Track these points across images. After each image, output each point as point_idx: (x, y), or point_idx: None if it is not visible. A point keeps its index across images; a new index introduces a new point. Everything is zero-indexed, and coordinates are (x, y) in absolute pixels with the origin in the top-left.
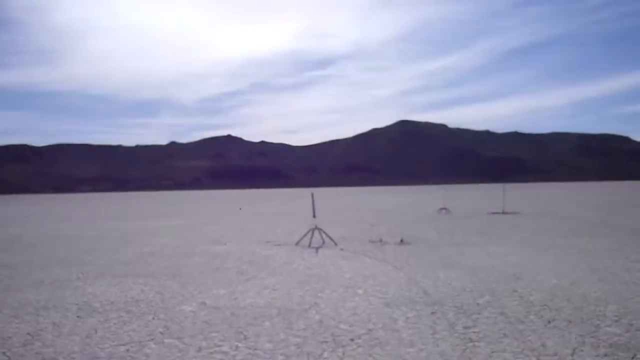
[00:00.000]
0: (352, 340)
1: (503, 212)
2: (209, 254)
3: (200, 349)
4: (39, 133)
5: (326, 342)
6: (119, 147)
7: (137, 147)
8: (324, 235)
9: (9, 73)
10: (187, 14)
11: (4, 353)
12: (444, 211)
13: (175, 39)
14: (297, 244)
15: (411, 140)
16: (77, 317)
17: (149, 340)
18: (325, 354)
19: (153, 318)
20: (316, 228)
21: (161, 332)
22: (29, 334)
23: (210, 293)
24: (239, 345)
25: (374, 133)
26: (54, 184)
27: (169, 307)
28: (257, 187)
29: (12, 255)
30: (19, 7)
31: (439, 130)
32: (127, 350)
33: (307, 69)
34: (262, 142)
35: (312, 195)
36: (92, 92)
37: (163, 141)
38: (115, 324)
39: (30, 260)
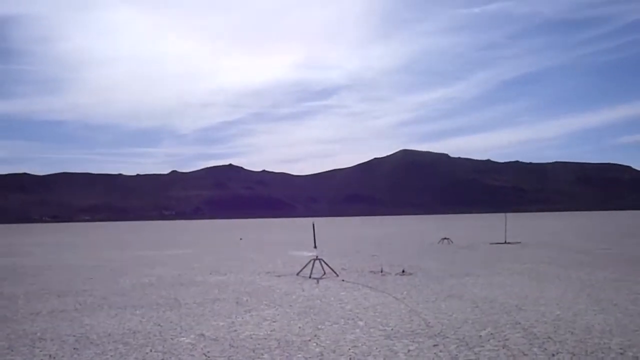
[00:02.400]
0: None
1: (505, 242)
2: (208, 284)
3: None
4: (40, 162)
5: None
6: (119, 175)
7: (138, 176)
8: (324, 266)
9: (12, 102)
10: (189, 44)
11: None
12: (445, 241)
13: (177, 68)
14: (297, 274)
15: (412, 169)
16: (74, 349)
17: None
18: None
19: (151, 350)
20: (317, 258)
21: None
22: None
23: (209, 324)
24: None
25: (375, 162)
26: (53, 212)
27: (167, 338)
28: (258, 216)
29: (10, 286)
30: (25, 39)
31: (440, 160)
32: None
33: (307, 99)
34: (263, 171)
35: (313, 225)
36: (94, 121)
37: (164, 170)
38: (112, 356)
39: (28, 291)
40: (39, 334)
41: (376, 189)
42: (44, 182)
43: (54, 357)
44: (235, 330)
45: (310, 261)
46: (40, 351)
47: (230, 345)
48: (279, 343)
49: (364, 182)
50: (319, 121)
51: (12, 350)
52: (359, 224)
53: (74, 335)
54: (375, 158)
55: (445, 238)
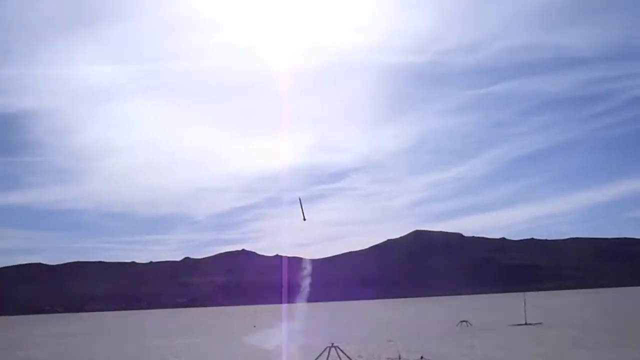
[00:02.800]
0: None
1: (525, 324)
2: None
3: None
4: (54, 251)
5: None
6: (132, 263)
7: (151, 263)
8: (340, 353)
9: (29, 192)
10: (203, 131)
11: None
12: (463, 324)
13: (191, 155)
14: None
15: (426, 250)
16: None
17: None
18: None
19: None
20: (333, 346)
21: None
22: None
23: None
24: None
25: (388, 244)
26: (65, 302)
27: None
28: (272, 302)
29: None
30: (42, 131)
31: (454, 240)
32: None
33: (320, 182)
34: (277, 255)
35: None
36: (108, 209)
37: (177, 257)
38: None
39: None
40: None
41: (390, 271)
42: (58, 272)
43: None
44: None
45: (325, 349)
46: None
47: None
48: None
49: (378, 265)
50: (332, 204)
51: None
52: (374, 307)
53: None
54: (388, 239)
55: (463, 321)
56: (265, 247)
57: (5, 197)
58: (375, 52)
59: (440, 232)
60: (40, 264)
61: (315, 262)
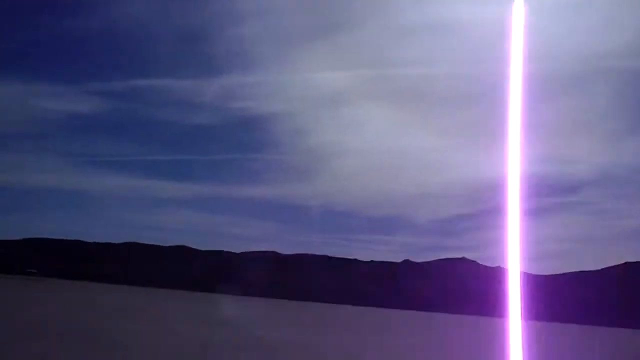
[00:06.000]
0: None
1: None
2: None
3: None
4: (285, 242)
5: None
6: (354, 260)
7: (372, 262)
8: None
9: (267, 187)
10: (429, 136)
11: None
12: None
13: (415, 160)
14: None
15: None
16: None
17: None
18: None
19: None
20: None
21: None
22: None
23: None
24: None
25: (627, 267)
26: (292, 291)
27: None
28: (491, 315)
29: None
30: (282, 132)
31: None
32: None
33: (550, 194)
34: (499, 267)
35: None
36: (335, 207)
37: (397, 258)
38: None
39: None
40: None
41: (632, 297)
42: (288, 262)
43: None
44: None
45: None
46: None
47: None
48: None
49: (615, 289)
50: (562, 218)
51: None
52: (618, 335)
53: None
54: (627, 262)
55: None
56: (486, 258)
57: (247, 189)
58: (618, 57)
59: None
60: (274, 251)
61: (542, 278)
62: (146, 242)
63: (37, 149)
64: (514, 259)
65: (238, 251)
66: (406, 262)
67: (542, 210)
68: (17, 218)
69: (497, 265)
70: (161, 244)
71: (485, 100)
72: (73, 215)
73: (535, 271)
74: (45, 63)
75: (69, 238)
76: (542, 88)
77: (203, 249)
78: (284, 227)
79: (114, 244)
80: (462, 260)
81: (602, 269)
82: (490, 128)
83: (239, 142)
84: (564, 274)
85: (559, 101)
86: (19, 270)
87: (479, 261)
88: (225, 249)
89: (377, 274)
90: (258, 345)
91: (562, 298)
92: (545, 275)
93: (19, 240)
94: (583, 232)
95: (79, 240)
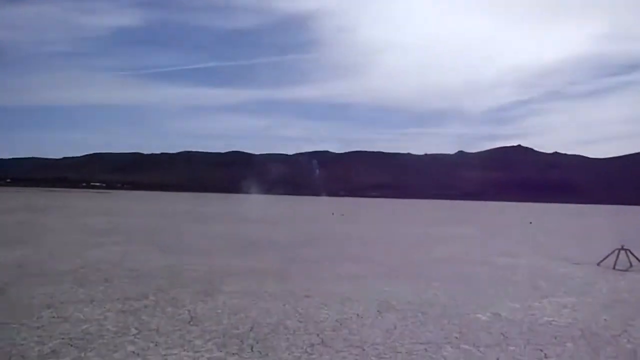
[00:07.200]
0: None
1: None
2: (497, 266)
3: None
4: (338, 141)
5: None
6: (407, 155)
7: (425, 155)
8: (632, 258)
9: (315, 87)
10: (476, 24)
11: (317, 335)
12: None
13: (467, 50)
14: (598, 264)
15: None
16: (377, 311)
17: (445, 343)
18: None
19: (448, 322)
20: (623, 248)
21: (456, 337)
22: (337, 321)
23: (504, 305)
24: None
25: None
26: (347, 188)
27: (462, 313)
28: (548, 201)
29: (313, 250)
30: (324, 30)
31: None
32: (425, 349)
33: (608, 74)
34: (556, 153)
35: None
36: (386, 103)
37: (451, 150)
38: (412, 322)
39: (327, 255)
40: (346, 294)
41: None
42: (342, 159)
43: (361, 317)
44: (533, 314)
45: (614, 251)
46: (349, 309)
47: (528, 328)
48: (582, 333)
49: None
50: (622, 99)
51: (326, 306)
52: None
53: (376, 299)
54: None
55: None
56: (543, 144)
57: (294, 91)
58: None
59: None
60: (327, 151)
61: (600, 162)
62: (201, 150)
63: (84, 67)
64: (571, 143)
65: (291, 153)
66: (460, 152)
67: (600, 91)
68: (75, 135)
69: (554, 151)
70: (217, 151)
71: None
72: (129, 129)
73: (593, 154)
74: None
75: (127, 151)
76: None
77: (257, 152)
78: (335, 126)
79: (170, 153)
80: (518, 148)
81: None
82: (546, 9)
83: (284, 43)
84: (623, 157)
85: None
86: (87, 184)
87: (535, 148)
88: (278, 152)
89: (431, 167)
90: (358, 237)
91: (622, 180)
92: (604, 159)
93: (81, 156)
94: None
95: (137, 153)
